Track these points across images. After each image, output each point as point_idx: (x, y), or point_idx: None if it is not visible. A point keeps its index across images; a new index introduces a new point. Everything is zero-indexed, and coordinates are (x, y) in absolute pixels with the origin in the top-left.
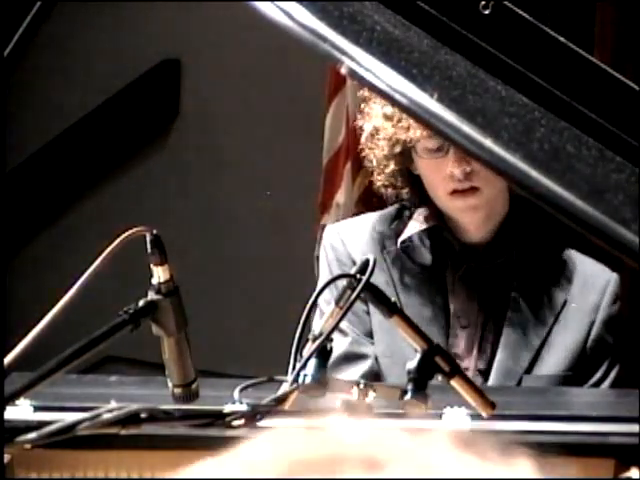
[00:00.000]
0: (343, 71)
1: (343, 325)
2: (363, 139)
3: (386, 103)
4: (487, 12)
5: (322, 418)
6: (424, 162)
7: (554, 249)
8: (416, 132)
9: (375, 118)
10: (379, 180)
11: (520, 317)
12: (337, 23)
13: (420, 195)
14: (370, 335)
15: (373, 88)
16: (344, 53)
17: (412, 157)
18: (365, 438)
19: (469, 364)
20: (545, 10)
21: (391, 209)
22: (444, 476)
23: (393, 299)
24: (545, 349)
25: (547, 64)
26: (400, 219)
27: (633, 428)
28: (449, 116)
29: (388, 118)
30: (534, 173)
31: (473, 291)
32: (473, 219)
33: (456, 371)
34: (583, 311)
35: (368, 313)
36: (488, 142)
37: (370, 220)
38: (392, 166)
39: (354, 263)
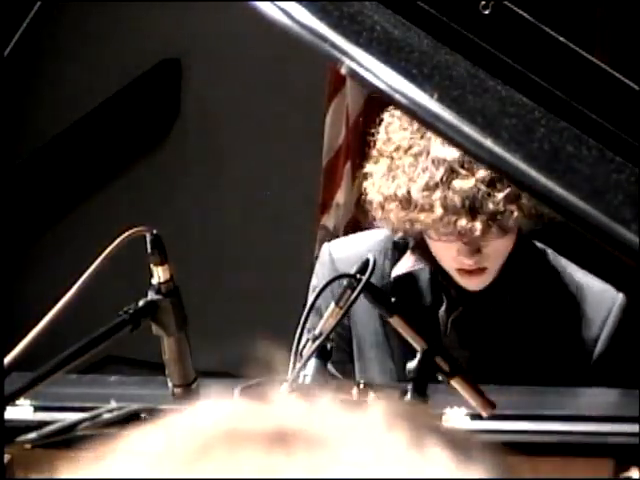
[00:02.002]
0: (343, 71)
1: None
2: (370, 202)
3: (399, 185)
4: (487, 12)
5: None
6: (433, 241)
7: (552, 287)
8: (431, 229)
9: (387, 192)
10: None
11: (515, 365)
12: (337, 23)
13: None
14: (344, 363)
15: (373, 88)
16: (344, 53)
17: None
18: (281, 412)
19: None
20: (545, 10)
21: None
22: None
23: (392, 300)
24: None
25: (547, 64)
26: (397, 248)
27: (633, 428)
28: (449, 116)
29: (404, 207)
30: (534, 173)
31: (466, 335)
32: (477, 289)
33: (456, 371)
34: (582, 347)
35: (348, 350)
36: (488, 142)
37: (365, 245)
38: (399, 231)
39: None
